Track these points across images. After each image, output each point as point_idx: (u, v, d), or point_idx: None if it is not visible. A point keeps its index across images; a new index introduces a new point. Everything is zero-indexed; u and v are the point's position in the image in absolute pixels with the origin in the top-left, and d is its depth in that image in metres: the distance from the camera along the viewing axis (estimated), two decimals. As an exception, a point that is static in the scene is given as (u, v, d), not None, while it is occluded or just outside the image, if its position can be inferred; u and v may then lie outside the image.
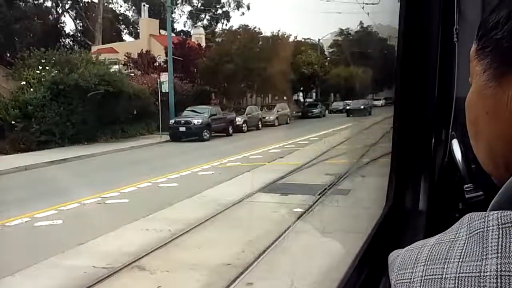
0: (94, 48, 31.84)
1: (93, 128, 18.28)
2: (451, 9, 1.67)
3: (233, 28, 33.78)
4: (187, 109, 21.13)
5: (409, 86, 1.78)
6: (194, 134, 19.07)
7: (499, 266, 0.43)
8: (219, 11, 43.17)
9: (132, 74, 25.36)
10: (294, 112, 36.90)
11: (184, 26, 43.08)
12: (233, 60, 26.02)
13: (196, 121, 19.59)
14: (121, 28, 40.93)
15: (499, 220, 0.46)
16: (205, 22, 42.05)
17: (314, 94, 56.09)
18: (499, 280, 0.42)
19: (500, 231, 0.45)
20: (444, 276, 0.47)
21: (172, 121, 19.77)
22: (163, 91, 20.77)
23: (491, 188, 0.55)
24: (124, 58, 26.87)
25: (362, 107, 33.89)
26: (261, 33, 29.72)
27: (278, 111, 28.63)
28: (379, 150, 11.10)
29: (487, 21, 0.53)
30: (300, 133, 19.59)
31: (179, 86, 24.37)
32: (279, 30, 31.73)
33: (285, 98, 34.24)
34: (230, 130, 21.45)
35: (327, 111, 39.85)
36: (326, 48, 62.67)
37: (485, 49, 0.53)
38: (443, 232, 0.52)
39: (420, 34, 1.73)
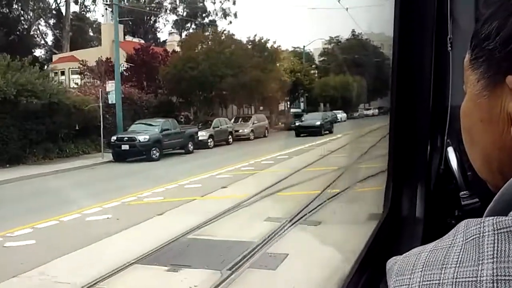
0: (55, 57, 30.50)
1: (18, 147, 15.82)
2: (445, 17, 1.68)
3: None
4: (135, 122, 18.52)
5: (404, 94, 1.82)
6: (139, 153, 16.45)
7: (495, 271, 0.45)
8: (206, 20, 41.17)
9: (89, 84, 23.43)
10: (280, 124, 35.21)
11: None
12: (198, 66, 23.84)
13: (142, 137, 16.75)
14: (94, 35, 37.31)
15: (495, 226, 0.47)
16: (190, 31, 39.74)
17: (301, 104, 52.44)
18: (495, 285, 0.44)
19: (496, 237, 0.47)
20: (441, 281, 0.48)
21: (113, 137, 17.01)
22: (110, 102, 17.58)
23: (486, 195, 0.57)
24: (79, 66, 23.23)
25: (317, 123, 26.92)
26: (233, 37, 25.81)
27: (254, 123, 26.41)
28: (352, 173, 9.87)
29: (479, 32, 0.55)
30: (271, 149, 17.68)
31: (137, 96, 22.34)
32: (255, 35, 29.71)
33: (261, 108, 32.19)
34: (190, 147, 18.86)
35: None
36: (317, 57, 60.12)
37: (478, 59, 0.55)
38: (440, 239, 0.53)
39: (415, 42, 1.78)
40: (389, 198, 1.85)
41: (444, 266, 0.49)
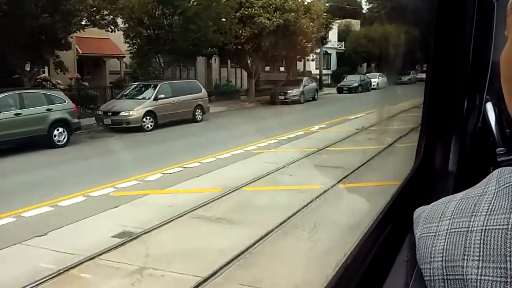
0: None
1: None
2: None
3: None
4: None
5: (444, 46, 1.80)
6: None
7: None
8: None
9: None
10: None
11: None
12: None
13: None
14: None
15: None
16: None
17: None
18: None
19: None
20: (470, 229, 0.48)
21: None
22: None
23: None
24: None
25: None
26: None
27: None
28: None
29: None
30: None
31: None
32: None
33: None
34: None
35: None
36: (364, 3, 52.85)
37: None
38: (472, 187, 0.54)
39: None
40: (421, 150, 1.85)
41: (474, 214, 0.49)
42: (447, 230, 0.50)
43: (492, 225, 0.46)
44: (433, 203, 0.57)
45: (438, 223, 0.53)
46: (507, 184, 0.47)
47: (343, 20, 49.28)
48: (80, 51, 21.30)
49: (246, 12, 21.74)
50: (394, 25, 38.14)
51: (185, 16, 18.75)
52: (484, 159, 1.49)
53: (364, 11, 56.81)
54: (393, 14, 39.14)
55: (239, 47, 22.01)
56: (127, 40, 20.07)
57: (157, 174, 8.91)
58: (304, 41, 26.00)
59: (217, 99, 26.29)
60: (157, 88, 16.05)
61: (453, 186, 1.66)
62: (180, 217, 6.21)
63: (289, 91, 24.39)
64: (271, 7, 22.34)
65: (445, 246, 0.51)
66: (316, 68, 41.29)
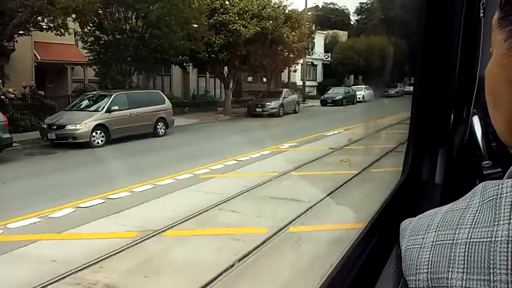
0: None
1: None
2: None
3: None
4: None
5: (431, 60, 1.83)
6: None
7: (510, 232, 0.45)
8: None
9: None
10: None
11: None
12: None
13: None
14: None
15: None
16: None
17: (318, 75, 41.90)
18: (510, 245, 0.44)
19: None
20: (455, 241, 0.49)
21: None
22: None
23: (510, 165, 0.59)
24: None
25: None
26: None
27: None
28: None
29: None
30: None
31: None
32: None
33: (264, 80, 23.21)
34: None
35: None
36: (352, 14, 50.11)
37: (507, 17, 0.54)
38: (457, 201, 0.55)
39: (445, 7, 1.78)
40: (408, 162, 1.87)
41: (459, 226, 0.50)
42: (433, 242, 0.52)
43: (476, 238, 0.47)
44: (419, 216, 0.58)
45: (424, 235, 0.54)
46: (491, 198, 0.49)
47: (330, 31, 48.44)
48: (39, 57, 19.53)
49: (220, 19, 20.18)
50: (381, 37, 37.23)
51: (147, 21, 17.14)
52: (471, 172, 1.52)
53: (352, 23, 56.32)
54: (381, 26, 38.27)
55: (213, 55, 20.47)
56: (85, 46, 18.29)
57: (67, 208, 6.98)
58: (285, 51, 24.73)
59: (192, 110, 24.81)
60: (110, 99, 14.28)
61: (440, 199, 1.70)
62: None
63: (267, 104, 22.94)
64: (247, 14, 20.87)
65: (430, 258, 0.52)
66: (301, 79, 40.09)
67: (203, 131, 17.31)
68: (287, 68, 30.82)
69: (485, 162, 1.28)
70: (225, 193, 7.76)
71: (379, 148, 12.30)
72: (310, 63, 41.70)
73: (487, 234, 0.46)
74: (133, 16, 17.69)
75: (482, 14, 1.43)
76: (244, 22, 20.63)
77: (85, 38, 17.87)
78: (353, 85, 38.12)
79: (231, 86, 23.43)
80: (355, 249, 1.32)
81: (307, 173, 9.78)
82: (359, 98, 31.89)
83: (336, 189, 7.91)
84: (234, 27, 19.98)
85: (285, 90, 24.95)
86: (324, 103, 29.90)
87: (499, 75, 0.55)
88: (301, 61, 32.22)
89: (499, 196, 0.48)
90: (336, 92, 30.52)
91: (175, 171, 9.77)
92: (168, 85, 26.66)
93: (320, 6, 54.60)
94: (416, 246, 0.54)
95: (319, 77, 42.45)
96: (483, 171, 1.27)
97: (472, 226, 0.48)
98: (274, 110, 22.79)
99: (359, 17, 50.27)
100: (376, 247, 1.34)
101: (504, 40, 0.53)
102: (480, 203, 0.49)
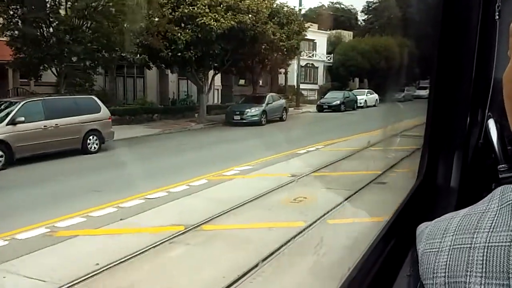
0: None
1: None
2: None
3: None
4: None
5: (447, 63, 1.84)
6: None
7: None
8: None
9: None
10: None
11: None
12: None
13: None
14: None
15: None
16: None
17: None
18: None
19: None
20: (473, 245, 0.49)
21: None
22: None
23: None
24: None
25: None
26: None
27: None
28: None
29: None
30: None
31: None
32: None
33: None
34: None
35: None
36: (360, 14, 48.49)
37: None
38: (475, 204, 0.54)
39: (461, 10, 1.77)
40: (423, 166, 1.89)
41: (477, 230, 0.49)
42: (450, 246, 0.51)
43: (495, 242, 0.46)
44: (436, 219, 0.57)
45: (441, 239, 0.53)
46: (510, 202, 0.48)
47: (334, 31, 45.18)
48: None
49: (187, 11, 16.76)
50: (388, 37, 33.95)
51: (75, 10, 13.72)
52: (486, 175, 1.49)
53: (359, 23, 53.05)
54: (389, 26, 35.41)
55: (179, 54, 16.96)
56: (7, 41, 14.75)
57: None
58: (270, 49, 21.57)
59: (166, 117, 21.85)
60: (16, 108, 10.88)
61: (456, 203, 1.68)
62: None
63: (246, 110, 19.53)
64: (221, 6, 17.37)
65: (448, 262, 0.51)
66: (301, 83, 36.88)
67: (152, 146, 13.87)
68: (278, 69, 27.82)
69: (501, 165, 1.28)
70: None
71: (367, 175, 9.16)
72: (310, 65, 38.59)
73: (506, 239, 0.45)
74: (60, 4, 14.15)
75: (497, 17, 1.49)
76: (216, 15, 17.49)
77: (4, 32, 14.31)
78: (358, 88, 34.95)
79: (205, 90, 20.12)
80: (372, 253, 1.34)
81: (224, 227, 6.10)
82: (360, 103, 28.72)
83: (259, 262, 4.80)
84: (203, 21, 16.65)
85: (269, 94, 21.79)
86: (320, 109, 26.68)
87: None
88: (295, 62, 29.21)
89: None
90: (334, 97, 27.25)
91: (66, 211, 6.75)
92: (141, 88, 23.50)
93: (326, 6, 51.61)
94: (434, 250, 0.53)
95: (320, 80, 39.27)
96: (499, 175, 1.26)
97: (491, 230, 0.47)
98: (255, 118, 19.48)
99: (366, 16, 47.01)
100: (393, 250, 1.37)
101: None
102: (499, 207, 0.49)
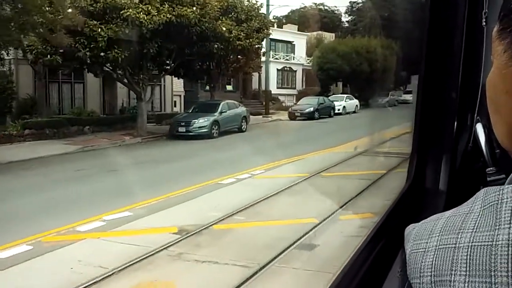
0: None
1: None
2: None
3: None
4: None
5: (434, 68, 1.85)
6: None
7: (511, 236, 0.46)
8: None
9: None
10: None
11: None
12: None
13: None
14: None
15: None
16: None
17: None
18: (510, 249, 0.46)
19: None
20: (457, 245, 0.51)
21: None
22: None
23: None
24: None
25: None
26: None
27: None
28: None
29: (509, 1, 0.56)
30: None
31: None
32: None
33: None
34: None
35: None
36: (343, 15, 46.87)
37: (506, 29, 0.55)
38: (459, 206, 0.56)
39: (447, 16, 1.79)
40: (412, 169, 1.91)
41: (461, 230, 0.51)
42: (436, 246, 0.53)
43: (478, 242, 0.48)
44: (423, 221, 0.59)
45: (428, 239, 0.55)
46: (492, 203, 0.50)
47: (314, 33, 42.35)
48: None
49: (109, 1, 13.38)
50: (370, 38, 31.17)
51: None
52: (475, 178, 1.50)
53: (343, 24, 50.48)
54: (373, 28, 32.64)
55: (101, 54, 13.69)
56: None
57: None
58: (224, 50, 18.49)
59: (102, 129, 18.71)
60: None
61: (444, 205, 1.69)
62: None
63: (193, 121, 16.20)
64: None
65: (434, 262, 0.53)
66: (278, 88, 33.83)
67: (40, 173, 10.33)
68: (246, 72, 24.80)
69: (489, 168, 1.30)
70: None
71: (292, 227, 6.08)
72: (288, 69, 35.65)
73: (489, 238, 0.47)
74: None
75: (484, 23, 1.49)
76: (149, 7, 14.18)
77: None
78: (342, 93, 32.05)
79: (144, 97, 16.31)
80: (361, 254, 1.35)
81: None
82: (338, 110, 25.76)
83: None
84: (129, 13, 13.40)
85: (224, 102, 18.28)
86: (292, 116, 23.70)
87: (499, 85, 0.56)
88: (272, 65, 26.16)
89: (499, 201, 0.49)
90: (307, 103, 24.21)
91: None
92: (81, 95, 19.95)
93: (308, 7, 48.93)
94: (420, 250, 0.55)
95: (299, 85, 36.34)
96: (487, 178, 1.28)
97: (474, 230, 0.49)
98: (203, 130, 16.19)
99: (349, 17, 44.32)
100: (382, 251, 1.38)
101: (503, 52, 0.54)
102: (482, 208, 0.50)
